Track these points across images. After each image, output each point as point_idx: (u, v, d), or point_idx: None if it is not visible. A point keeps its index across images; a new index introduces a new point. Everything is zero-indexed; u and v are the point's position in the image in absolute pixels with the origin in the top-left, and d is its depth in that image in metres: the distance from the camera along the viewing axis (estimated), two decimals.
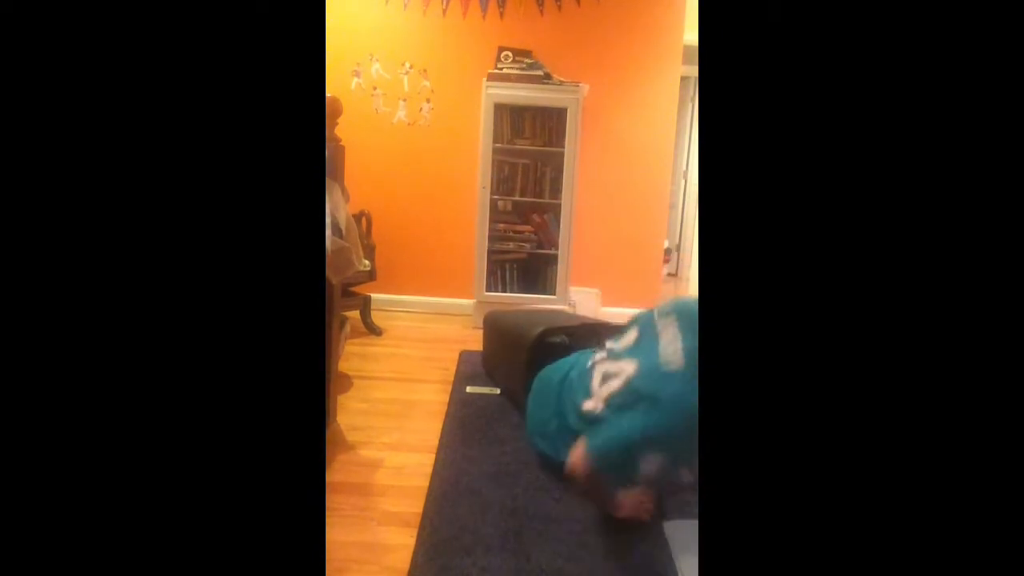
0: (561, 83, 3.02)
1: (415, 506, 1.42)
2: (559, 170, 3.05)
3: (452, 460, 1.63)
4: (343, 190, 1.81)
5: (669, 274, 4.96)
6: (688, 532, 1.32)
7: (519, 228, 3.18)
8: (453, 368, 2.43)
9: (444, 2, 3.19)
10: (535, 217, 3.16)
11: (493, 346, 2.26)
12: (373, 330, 2.92)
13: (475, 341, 2.85)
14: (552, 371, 1.67)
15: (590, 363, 1.54)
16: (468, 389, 2.09)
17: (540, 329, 1.92)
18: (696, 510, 1.42)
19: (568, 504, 1.34)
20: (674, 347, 1.35)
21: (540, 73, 3.03)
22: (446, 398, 2.11)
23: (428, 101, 3.27)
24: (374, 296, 3.09)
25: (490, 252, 3.12)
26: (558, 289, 3.10)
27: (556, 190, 3.08)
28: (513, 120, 3.12)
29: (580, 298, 3.23)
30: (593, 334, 1.94)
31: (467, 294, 3.26)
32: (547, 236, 3.15)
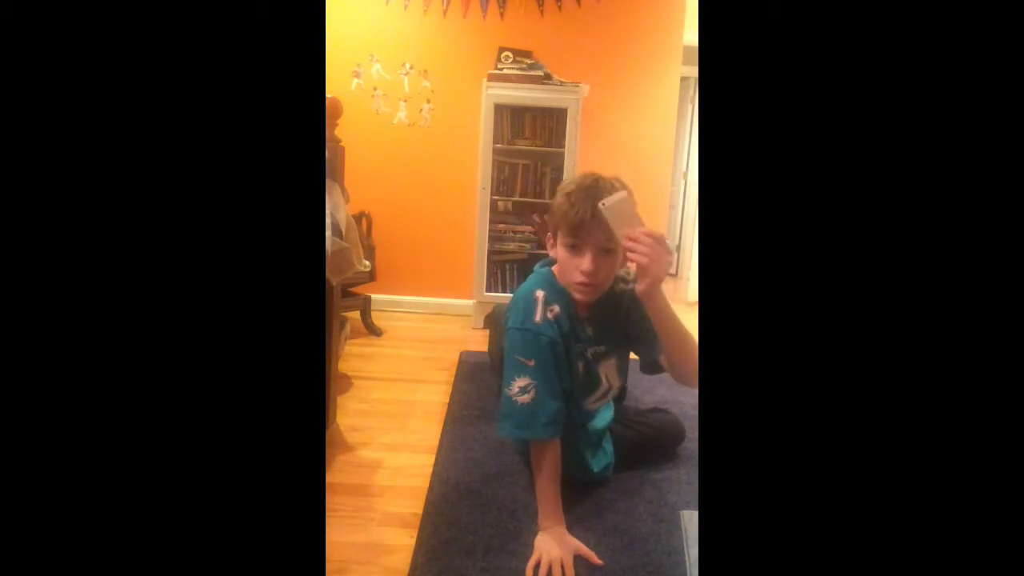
0: (561, 83, 3.02)
1: (415, 507, 1.42)
2: (559, 170, 3.04)
3: (452, 461, 1.63)
4: (343, 191, 1.81)
5: (669, 274, 4.95)
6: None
7: (519, 228, 3.18)
8: (453, 369, 2.43)
9: (444, 3, 3.19)
10: (535, 217, 3.16)
11: (498, 342, 2.27)
12: (373, 331, 2.92)
13: (475, 341, 2.85)
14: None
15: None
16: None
17: None
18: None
19: (568, 505, 1.34)
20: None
21: (540, 73, 3.03)
22: (446, 399, 2.11)
23: (428, 102, 3.27)
24: (374, 297, 3.09)
25: (490, 252, 3.11)
26: None
27: (556, 190, 3.08)
28: (513, 120, 3.12)
29: None
30: None
31: (467, 294, 3.26)
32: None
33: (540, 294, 1.34)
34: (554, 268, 1.41)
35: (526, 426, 1.30)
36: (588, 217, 1.26)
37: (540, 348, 1.30)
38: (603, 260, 1.30)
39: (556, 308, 1.34)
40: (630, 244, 1.16)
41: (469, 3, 3.20)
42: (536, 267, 1.47)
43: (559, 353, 1.33)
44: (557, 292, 1.36)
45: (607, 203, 1.18)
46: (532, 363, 1.30)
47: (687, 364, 1.30)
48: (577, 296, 1.35)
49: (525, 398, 1.29)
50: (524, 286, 1.40)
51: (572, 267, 1.31)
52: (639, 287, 1.20)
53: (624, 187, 1.31)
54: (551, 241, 1.41)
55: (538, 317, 1.32)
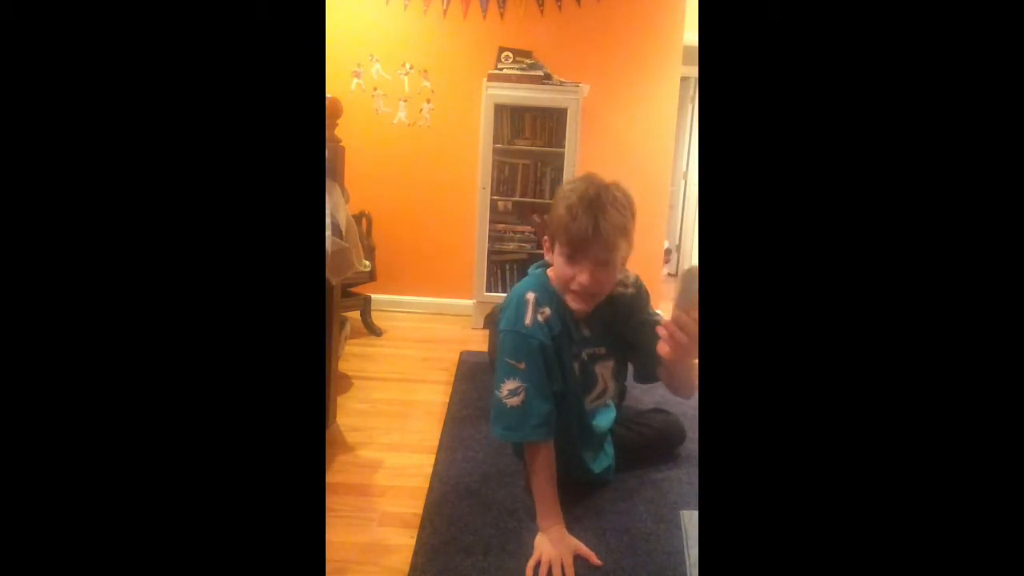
0: (561, 83, 3.02)
1: (415, 507, 1.42)
2: (559, 170, 3.04)
3: (452, 461, 1.63)
4: (343, 191, 1.81)
5: (669, 274, 4.96)
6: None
7: (519, 228, 3.18)
8: (453, 369, 2.43)
9: (444, 3, 3.19)
10: (535, 217, 3.16)
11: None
12: (373, 331, 2.92)
13: (475, 341, 2.85)
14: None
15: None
16: None
17: None
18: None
19: (567, 505, 1.34)
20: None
21: (540, 73, 3.03)
22: (446, 399, 2.11)
23: (428, 102, 3.27)
24: (374, 297, 3.09)
25: (490, 252, 3.12)
26: None
27: (556, 193, 3.08)
28: (513, 120, 3.12)
29: None
30: None
31: (467, 294, 3.26)
32: None
33: (531, 296, 1.34)
34: (549, 271, 1.41)
35: (517, 428, 1.30)
36: (589, 233, 1.24)
37: (530, 351, 1.30)
38: (602, 272, 1.30)
39: (547, 311, 1.33)
40: (682, 320, 1.04)
41: (469, 3, 3.20)
42: (530, 269, 1.47)
43: (549, 356, 1.32)
44: (548, 295, 1.36)
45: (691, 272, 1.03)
46: (522, 366, 1.30)
47: (687, 384, 1.32)
48: (572, 304, 1.34)
49: (514, 401, 1.29)
50: (516, 288, 1.40)
51: (569, 276, 1.31)
52: (661, 350, 1.09)
53: (625, 193, 1.31)
54: (547, 243, 1.40)
55: (528, 320, 1.31)
